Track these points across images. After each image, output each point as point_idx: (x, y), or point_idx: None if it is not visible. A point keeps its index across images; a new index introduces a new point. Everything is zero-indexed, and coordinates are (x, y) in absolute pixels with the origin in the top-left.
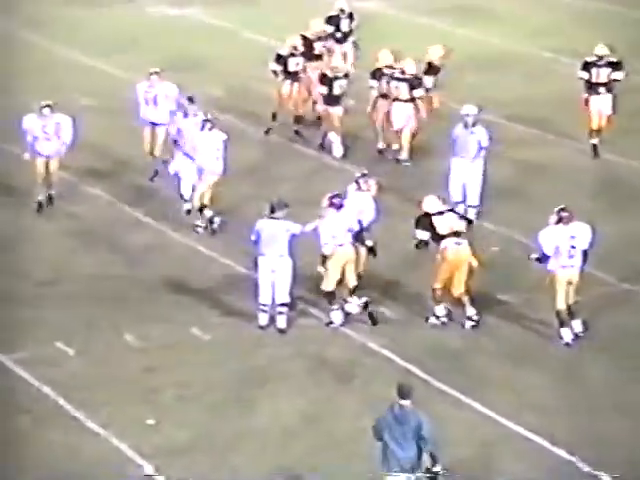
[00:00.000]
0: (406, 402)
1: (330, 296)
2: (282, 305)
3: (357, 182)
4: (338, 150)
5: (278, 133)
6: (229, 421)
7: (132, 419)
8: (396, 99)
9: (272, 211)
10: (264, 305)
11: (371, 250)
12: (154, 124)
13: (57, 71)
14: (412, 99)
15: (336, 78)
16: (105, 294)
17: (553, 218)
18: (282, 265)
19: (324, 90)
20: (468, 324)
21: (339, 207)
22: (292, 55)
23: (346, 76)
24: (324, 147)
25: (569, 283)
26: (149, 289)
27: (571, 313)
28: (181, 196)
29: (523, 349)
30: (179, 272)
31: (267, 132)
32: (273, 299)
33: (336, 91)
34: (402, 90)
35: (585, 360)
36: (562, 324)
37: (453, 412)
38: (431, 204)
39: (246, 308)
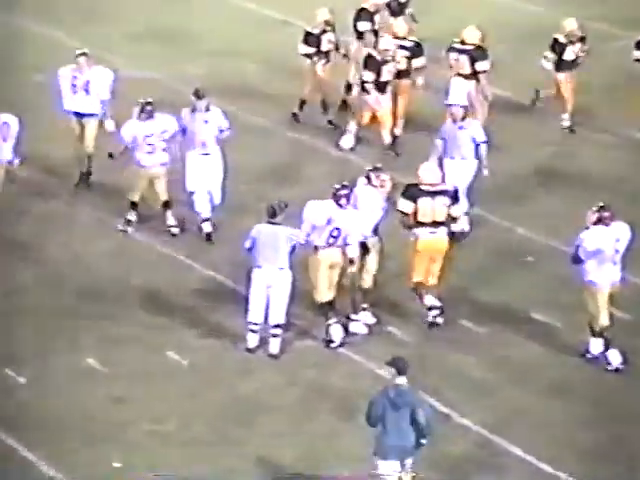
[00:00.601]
0: (403, 379)
1: (326, 308)
2: (276, 327)
3: (368, 177)
4: (349, 141)
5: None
6: (211, 462)
7: (96, 461)
8: (457, 74)
9: (272, 215)
10: (254, 324)
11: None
12: (82, 115)
13: (12, 43)
14: (474, 73)
15: (385, 62)
16: (62, 310)
17: (591, 218)
18: (281, 279)
19: (370, 76)
20: (430, 316)
21: (346, 201)
22: (324, 32)
23: (393, 59)
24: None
25: (611, 295)
26: (115, 304)
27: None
28: (198, 214)
29: (560, 379)
30: (152, 284)
31: (296, 119)
32: (265, 318)
33: (384, 77)
34: (463, 63)
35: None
36: (608, 345)
37: (478, 453)
38: (428, 175)
39: (232, 328)
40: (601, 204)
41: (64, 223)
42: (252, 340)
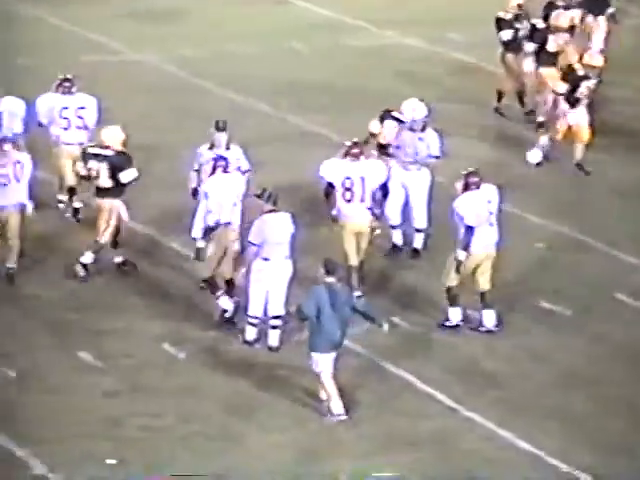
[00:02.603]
0: (333, 279)
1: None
2: (276, 318)
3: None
4: (536, 156)
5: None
6: (208, 459)
7: (88, 457)
8: None
9: (274, 202)
10: (254, 318)
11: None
12: None
13: None
14: None
15: (586, 78)
16: (53, 300)
17: (459, 186)
18: (284, 270)
19: (563, 88)
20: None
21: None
22: (517, 18)
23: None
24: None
25: (487, 258)
26: (109, 294)
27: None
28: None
29: (570, 370)
30: (147, 273)
31: (500, 113)
32: (265, 311)
33: (581, 92)
34: None
35: None
36: (485, 306)
37: (487, 447)
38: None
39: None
40: (470, 169)
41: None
42: (251, 333)
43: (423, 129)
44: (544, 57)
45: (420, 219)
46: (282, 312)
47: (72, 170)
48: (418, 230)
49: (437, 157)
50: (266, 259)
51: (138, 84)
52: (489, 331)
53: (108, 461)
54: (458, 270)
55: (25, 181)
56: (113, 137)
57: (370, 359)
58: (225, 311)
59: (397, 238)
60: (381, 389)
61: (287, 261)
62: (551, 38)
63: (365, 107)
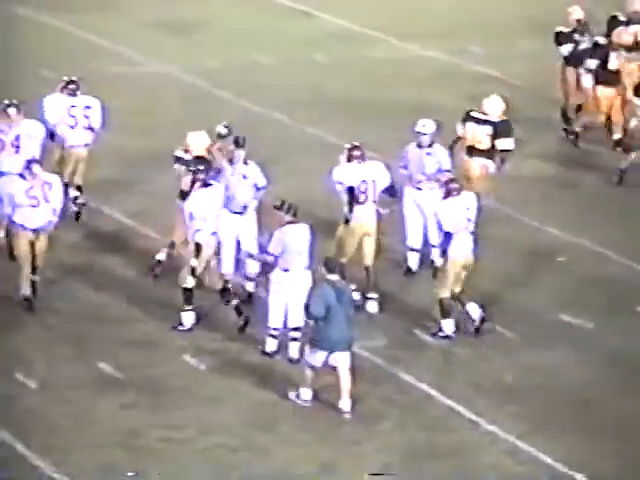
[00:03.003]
0: (336, 276)
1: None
2: (296, 330)
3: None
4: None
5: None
6: (230, 471)
7: (108, 468)
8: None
9: (294, 214)
10: (275, 329)
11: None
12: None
13: (19, 34)
14: None
15: None
16: (73, 312)
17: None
18: (304, 282)
19: None
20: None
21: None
22: (577, 32)
23: None
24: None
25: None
26: (129, 306)
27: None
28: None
29: (592, 383)
30: (167, 284)
31: (574, 138)
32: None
33: None
34: None
35: None
36: (464, 304)
37: (508, 461)
38: None
39: (250, 332)
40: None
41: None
42: (271, 344)
43: (431, 145)
44: (604, 75)
45: (434, 235)
46: (302, 324)
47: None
48: (434, 246)
49: (449, 171)
50: (286, 270)
51: (159, 94)
52: (478, 329)
53: (128, 473)
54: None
55: (57, 204)
56: (198, 142)
57: (390, 372)
58: (191, 329)
59: (413, 262)
60: (402, 402)
61: (306, 272)
62: (613, 55)
63: (384, 118)
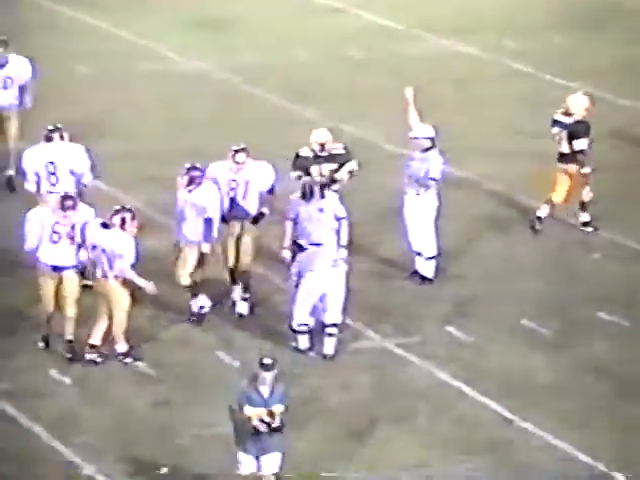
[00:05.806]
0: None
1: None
2: (332, 326)
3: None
4: None
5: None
6: None
7: (141, 465)
8: None
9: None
10: (305, 325)
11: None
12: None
13: (57, 32)
14: None
15: None
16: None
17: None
18: (336, 276)
19: None
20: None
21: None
22: None
23: None
24: None
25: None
26: (164, 303)
27: None
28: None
29: (629, 380)
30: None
31: None
32: (317, 319)
33: None
34: None
35: None
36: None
37: (543, 458)
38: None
39: (284, 327)
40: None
41: None
42: (303, 341)
43: (427, 149)
44: None
45: (417, 243)
46: (339, 320)
47: None
48: (428, 257)
49: (434, 179)
50: (310, 270)
51: (195, 92)
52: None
53: (161, 470)
54: None
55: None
56: (578, 104)
57: (426, 369)
58: (202, 307)
59: (428, 270)
60: (437, 398)
61: (340, 267)
62: None
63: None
